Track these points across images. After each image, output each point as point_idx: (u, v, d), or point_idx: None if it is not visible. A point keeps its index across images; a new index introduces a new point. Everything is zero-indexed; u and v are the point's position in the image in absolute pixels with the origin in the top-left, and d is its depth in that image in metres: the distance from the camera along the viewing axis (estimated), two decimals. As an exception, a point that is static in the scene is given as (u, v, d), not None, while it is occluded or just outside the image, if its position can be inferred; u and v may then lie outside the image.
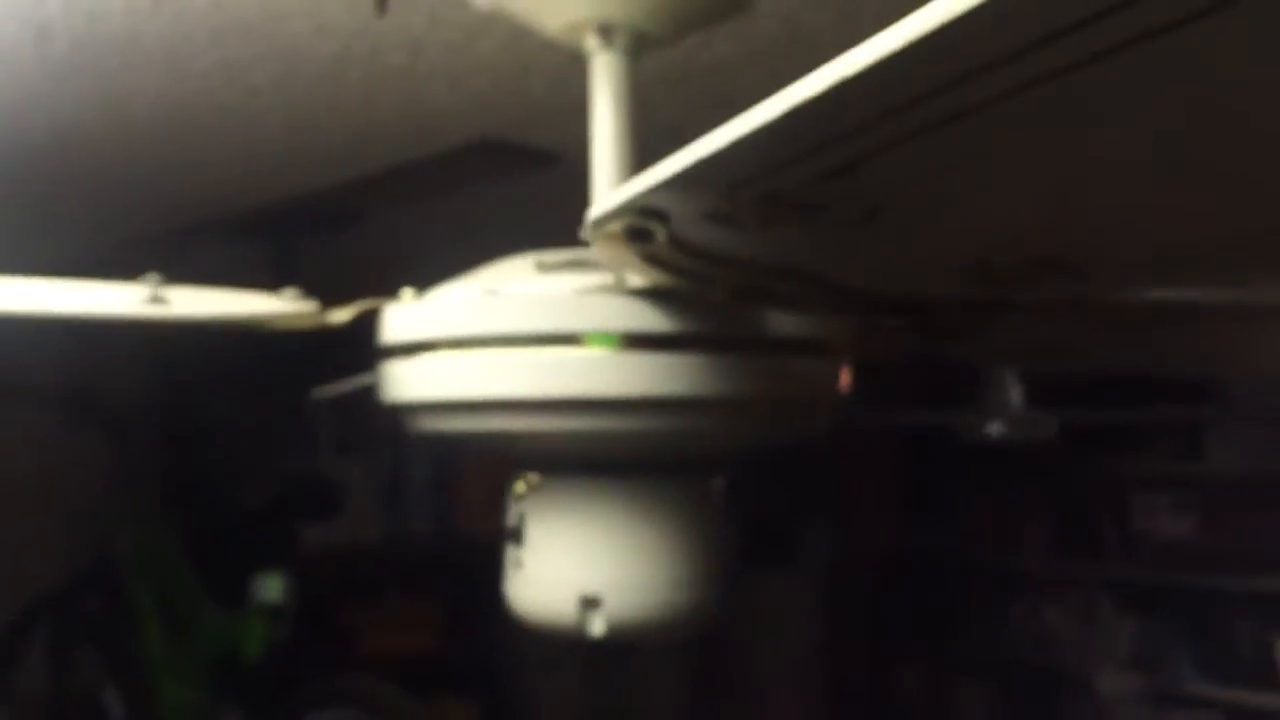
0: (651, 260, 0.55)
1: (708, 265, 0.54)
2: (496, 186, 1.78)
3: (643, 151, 0.83)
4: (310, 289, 2.04)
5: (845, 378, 0.73)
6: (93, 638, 2.38)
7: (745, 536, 3.35)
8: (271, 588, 2.07)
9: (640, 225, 0.49)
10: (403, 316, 0.69)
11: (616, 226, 0.50)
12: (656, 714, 3.28)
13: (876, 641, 3.51)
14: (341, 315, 0.70)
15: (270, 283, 2.03)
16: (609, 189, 0.76)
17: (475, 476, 3.22)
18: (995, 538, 3.31)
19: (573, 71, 1.26)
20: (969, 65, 0.31)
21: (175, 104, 1.34)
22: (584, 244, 0.79)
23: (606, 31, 0.75)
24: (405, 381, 0.69)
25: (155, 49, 1.16)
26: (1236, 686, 2.76)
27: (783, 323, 0.67)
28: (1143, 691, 2.97)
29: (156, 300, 0.60)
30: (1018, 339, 0.74)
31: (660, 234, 0.50)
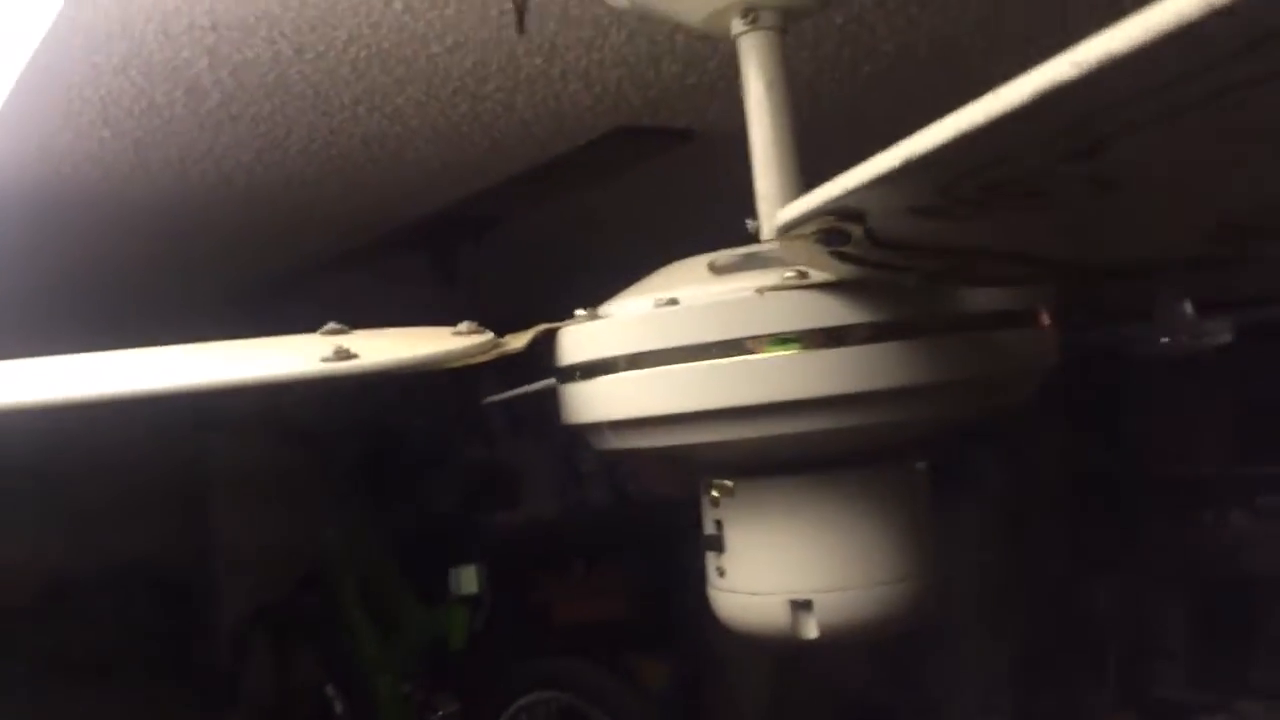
0: (841, 257, 0.52)
1: (904, 255, 0.51)
2: (633, 169, 1.77)
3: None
4: (469, 290, 2.07)
5: (1051, 340, 0.68)
6: (311, 637, 2.54)
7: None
8: (468, 580, 2.16)
9: (835, 227, 0.46)
10: (579, 337, 0.68)
11: (808, 230, 0.47)
12: (845, 656, 3.27)
13: (1063, 562, 3.42)
14: (518, 342, 0.69)
15: (432, 290, 2.07)
16: (772, 174, 0.73)
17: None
18: (1173, 447, 3.20)
19: (702, 52, 1.23)
20: (1245, 40, 0.26)
21: (325, 138, 1.38)
22: (751, 237, 0.77)
23: (751, 13, 0.72)
24: (588, 402, 0.68)
25: (302, 89, 1.19)
26: None
27: (980, 297, 0.63)
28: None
29: (341, 354, 0.61)
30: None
31: (857, 232, 0.47)
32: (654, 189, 1.85)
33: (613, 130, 1.48)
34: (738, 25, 0.72)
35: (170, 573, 2.90)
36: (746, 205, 0.80)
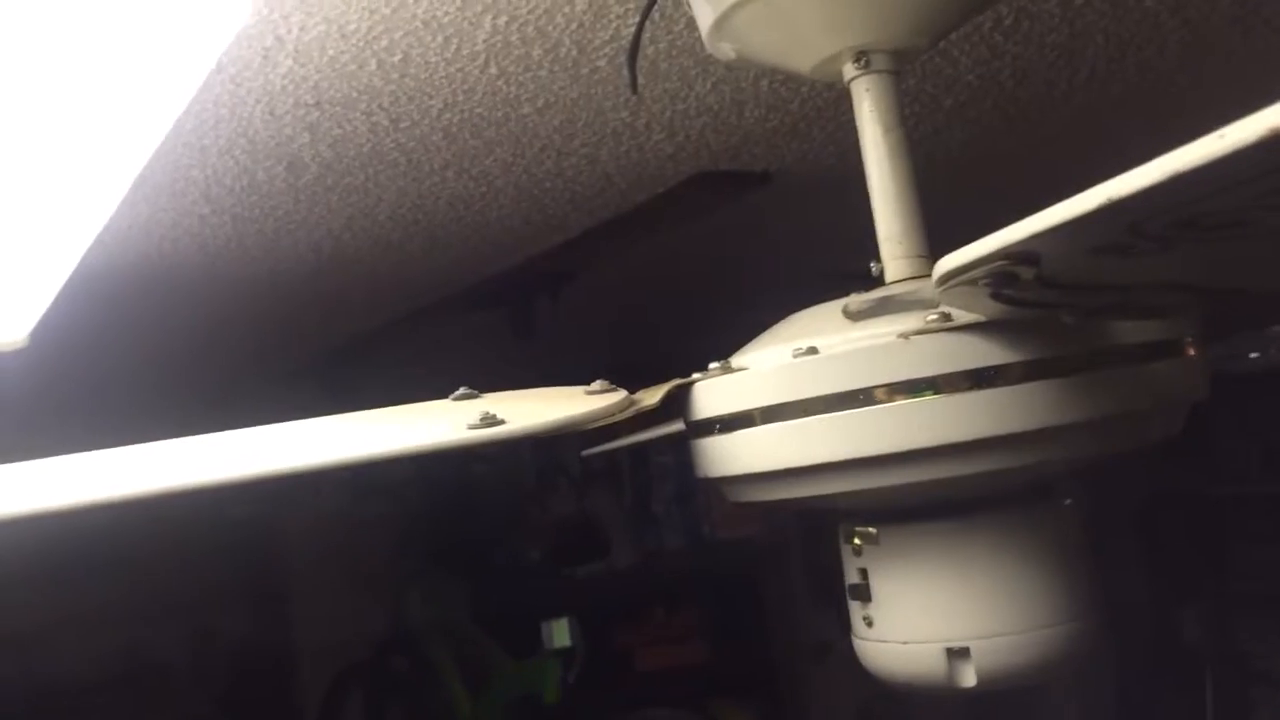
0: (1002, 298, 0.51)
1: (1070, 295, 0.50)
2: (710, 213, 1.78)
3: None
4: (547, 344, 2.08)
5: (1200, 370, 0.67)
6: (402, 696, 2.55)
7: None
8: (560, 633, 2.16)
9: (1007, 271, 0.45)
10: (717, 390, 0.68)
11: (977, 274, 0.46)
12: (929, 696, 3.19)
13: (1151, 587, 3.32)
14: (652, 398, 0.69)
15: (509, 344, 2.08)
16: (894, 216, 0.73)
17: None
18: (1262, 465, 3.09)
19: (785, 95, 1.24)
20: None
21: (413, 203, 1.41)
22: (869, 278, 0.76)
23: (863, 57, 0.72)
24: (730, 456, 0.67)
25: (396, 157, 1.22)
26: None
27: (1127, 329, 0.61)
28: None
29: (488, 421, 0.61)
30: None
31: (1027, 275, 0.46)
32: (729, 233, 1.86)
33: (692, 176, 1.50)
34: (850, 70, 0.72)
35: (250, 638, 2.94)
36: (823, 244, 0.80)
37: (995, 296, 0.50)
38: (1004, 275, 0.46)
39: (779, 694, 3.33)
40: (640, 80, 1.09)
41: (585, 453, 1.26)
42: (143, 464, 0.59)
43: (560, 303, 1.99)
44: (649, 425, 0.88)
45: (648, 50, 1.02)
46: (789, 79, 1.18)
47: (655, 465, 3.36)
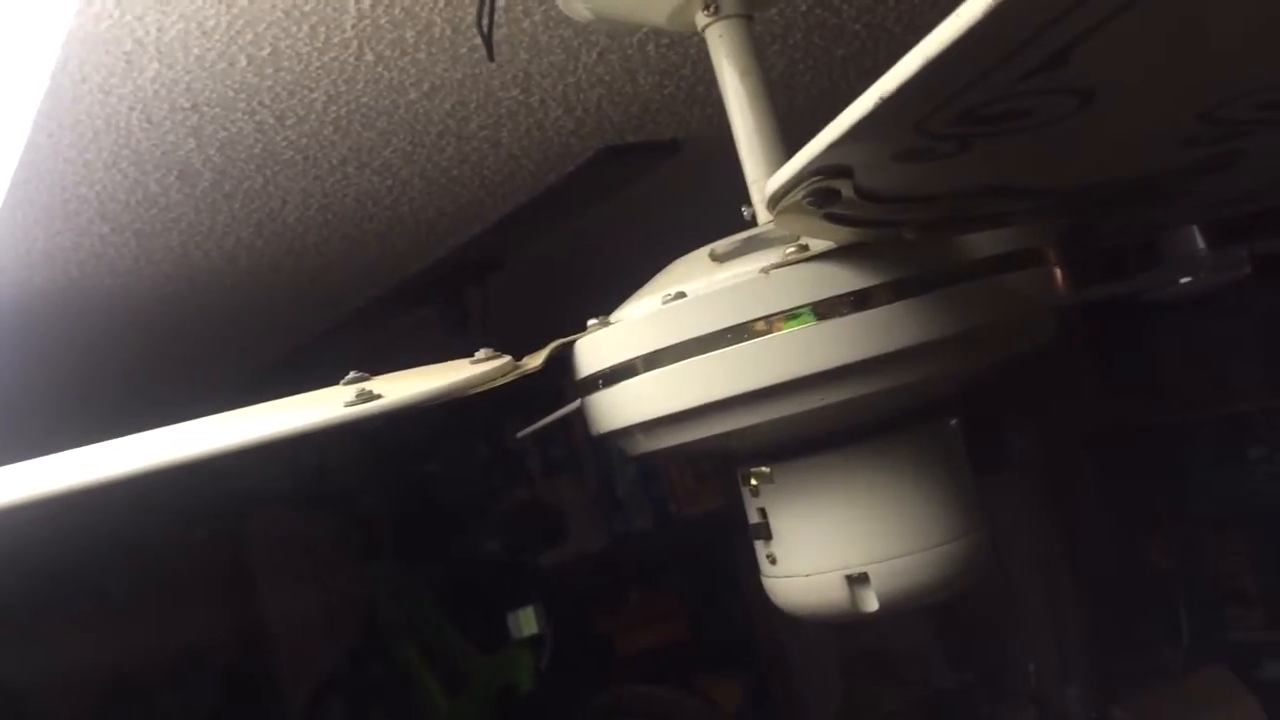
0: (836, 220, 0.52)
1: (898, 209, 0.51)
2: (625, 188, 1.78)
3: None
4: (483, 335, 2.09)
5: (1061, 276, 0.68)
6: (381, 701, 2.55)
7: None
8: (527, 621, 2.16)
9: (824, 187, 0.46)
10: (595, 345, 0.68)
11: (799, 195, 0.47)
12: (910, 645, 3.24)
13: (1115, 519, 3.38)
14: (536, 360, 0.69)
15: (446, 338, 2.08)
16: (759, 158, 0.73)
17: (679, 464, 3.28)
18: (1208, 387, 3.16)
19: (676, 60, 1.24)
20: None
21: (320, 202, 1.40)
22: (748, 224, 0.77)
23: (712, 4, 0.72)
24: (614, 409, 0.68)
25: (291, 156, 1.21)
26: None
27: (985, 243, 0.63)
28: None
29: (365, 397, 0.61)
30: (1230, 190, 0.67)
31: (846, 190, 0.47)
32: (651, 206, 1.86)
33: (600, 151, 1.50)
34: (702, 18, 0.73)
35: (228, 658, 2.92)
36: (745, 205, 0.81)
37: (829, 218, 0.51)
38: (824, 192, 0.46)
39: (763, 663, 3.36)
40: (524, 55, 1.09)
41: (519, 434, 1.26)
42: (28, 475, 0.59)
43: (491, 292, 1.99)
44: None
45: (523, 24, 1.02)
46: (675, 43, 1.18)
47: (615, 448, 3.37)
